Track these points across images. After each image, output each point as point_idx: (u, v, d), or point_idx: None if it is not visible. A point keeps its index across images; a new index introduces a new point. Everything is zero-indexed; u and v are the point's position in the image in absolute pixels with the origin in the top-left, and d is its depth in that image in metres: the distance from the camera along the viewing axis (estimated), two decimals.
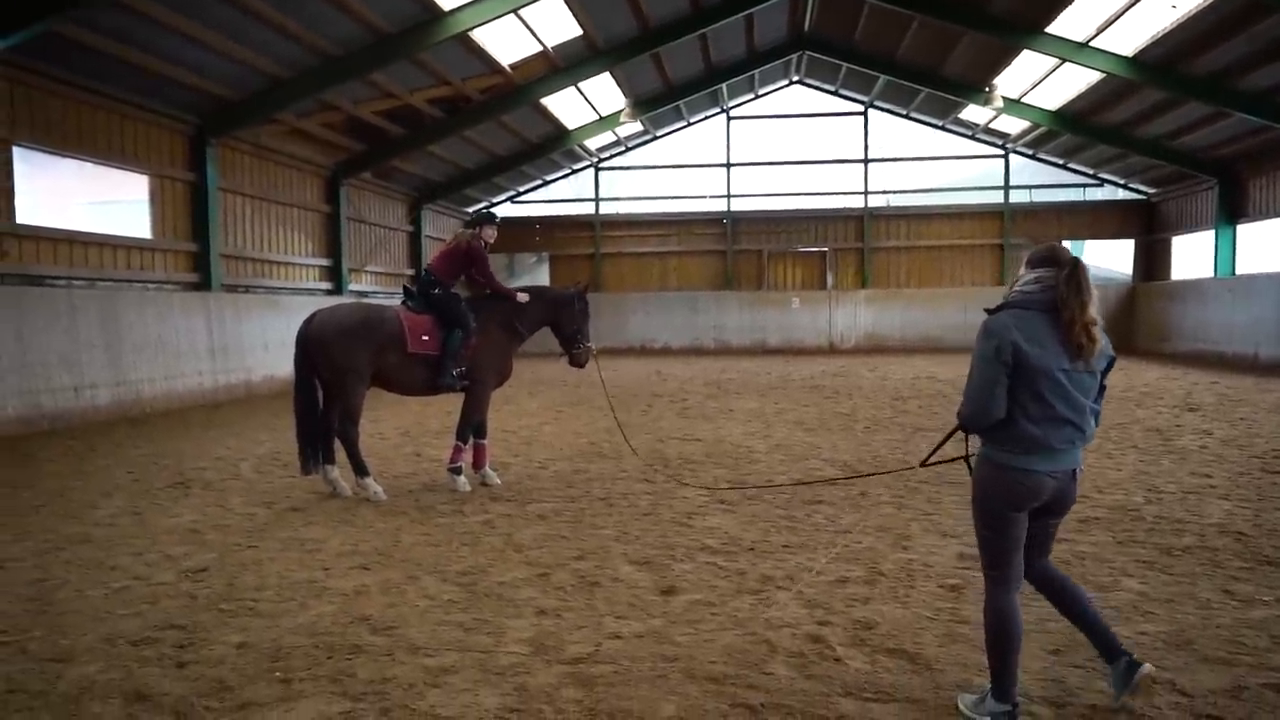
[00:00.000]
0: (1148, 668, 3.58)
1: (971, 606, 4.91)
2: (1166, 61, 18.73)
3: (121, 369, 14.07)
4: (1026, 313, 3.47)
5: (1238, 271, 23.97)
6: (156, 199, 16.14)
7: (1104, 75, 20.11)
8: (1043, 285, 3.49)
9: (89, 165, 15.05)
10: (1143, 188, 28.69)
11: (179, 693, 3.91)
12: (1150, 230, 28.90)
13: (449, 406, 10.65)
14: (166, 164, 16.24)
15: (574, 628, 4.68)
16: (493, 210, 8.63)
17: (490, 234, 8.53)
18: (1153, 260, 28.67)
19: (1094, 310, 3.42)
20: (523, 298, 8.48)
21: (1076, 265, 3.47)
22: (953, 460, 4.44)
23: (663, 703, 3.77)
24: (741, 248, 31.13)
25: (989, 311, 3.60)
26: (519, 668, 4.15)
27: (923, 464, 4.75)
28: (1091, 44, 19.06)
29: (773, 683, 3.97)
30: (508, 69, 20.07)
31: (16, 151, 13.14)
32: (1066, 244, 29.88)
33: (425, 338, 8.00)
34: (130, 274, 15.30)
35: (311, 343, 7.84)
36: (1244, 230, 24.02)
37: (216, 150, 17.21)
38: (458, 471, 8.23)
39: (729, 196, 31.04)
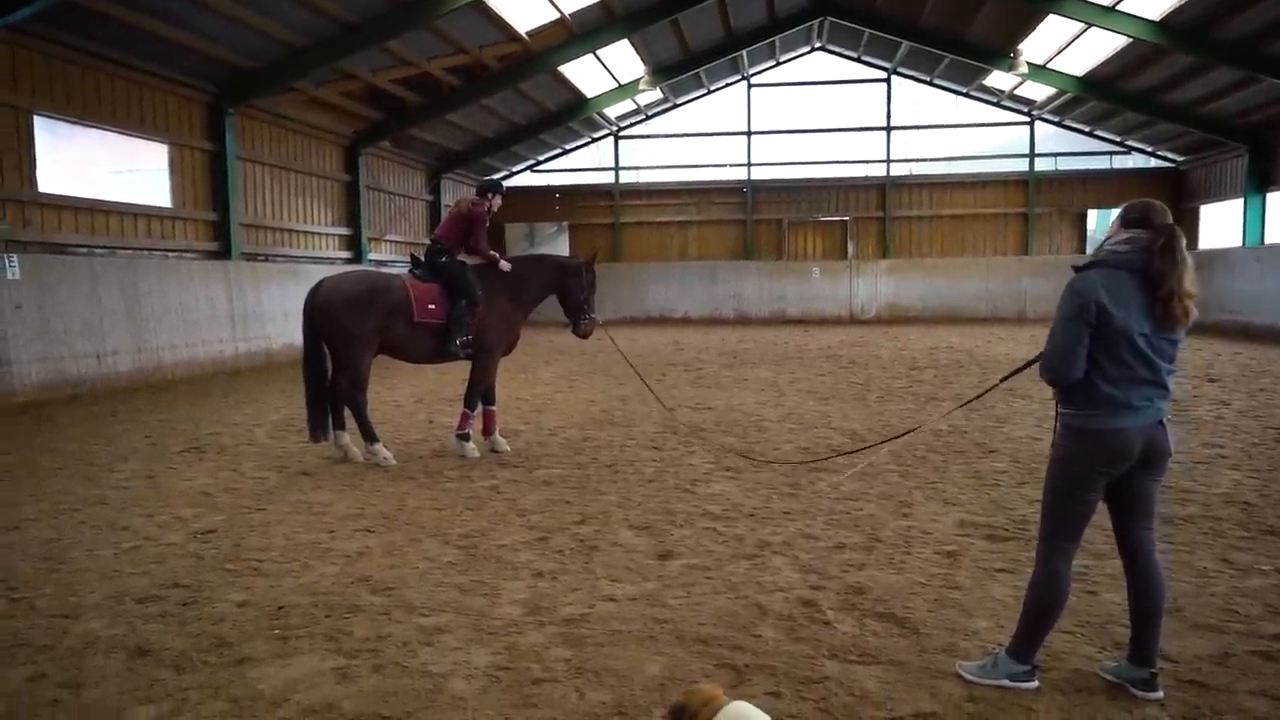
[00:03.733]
0: (1159, 694, 3.47)
1: (965, 573, 4.93)
2: (1195, 25, 18.33)
3: (142, 336, 14.26)
4: (1116, 273, 3.41)
5: (1266, 241, 23.57)
6: (176, 168, 16.25)
7: (1131, 39, 19.71)
8: (1135, 246, 3.43)
9: (109, 134, 15.16)
10: (1171, 155, 28.18)
11: (179, 647, 4.01)
12: (1178, 199, 28.38)
13: (463, 374, 10.74)
14: (185, 133, 16.34)
15: (569, 590, 4.74)
16: (499, 180, 8.60)
17: (496, 202, 8.55)
18: (1182, 229, 28.06)
19: (1190, 282, 3.36)
20: (505, 265, 8.48)
21: (1173, 235, 3.40)
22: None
23: (648, 662, 3.83)
24: (761, 217, 30.93)
25: (1076, 269, 3.53)
26: (511, 628, 4.23)
27: (997, 383, 5.01)
28: (1118, 7, 18.67)
29: (760, 645, 4.02)
30: (525, 36, 19.95)
31: (38, 121, 13.27)
32: (1092, 213, 29.65)
33: (431, 306, 8.06)
34: (151, 242, 15.46)
35: (318, 311, 7.92)
36: (1274, 199, 23.58)
37: (235, 119, 17.29)
38: (466, 438, 8.31)
39: (749, 165, 30.80)
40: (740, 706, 2.61)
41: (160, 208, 15.91)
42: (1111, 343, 3.36)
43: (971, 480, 7.12)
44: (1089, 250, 29.93)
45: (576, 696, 3.53)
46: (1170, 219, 3.51)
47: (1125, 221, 3.57)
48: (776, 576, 4.92)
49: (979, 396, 5.91)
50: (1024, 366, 4.24)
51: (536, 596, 4.65)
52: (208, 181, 16.97)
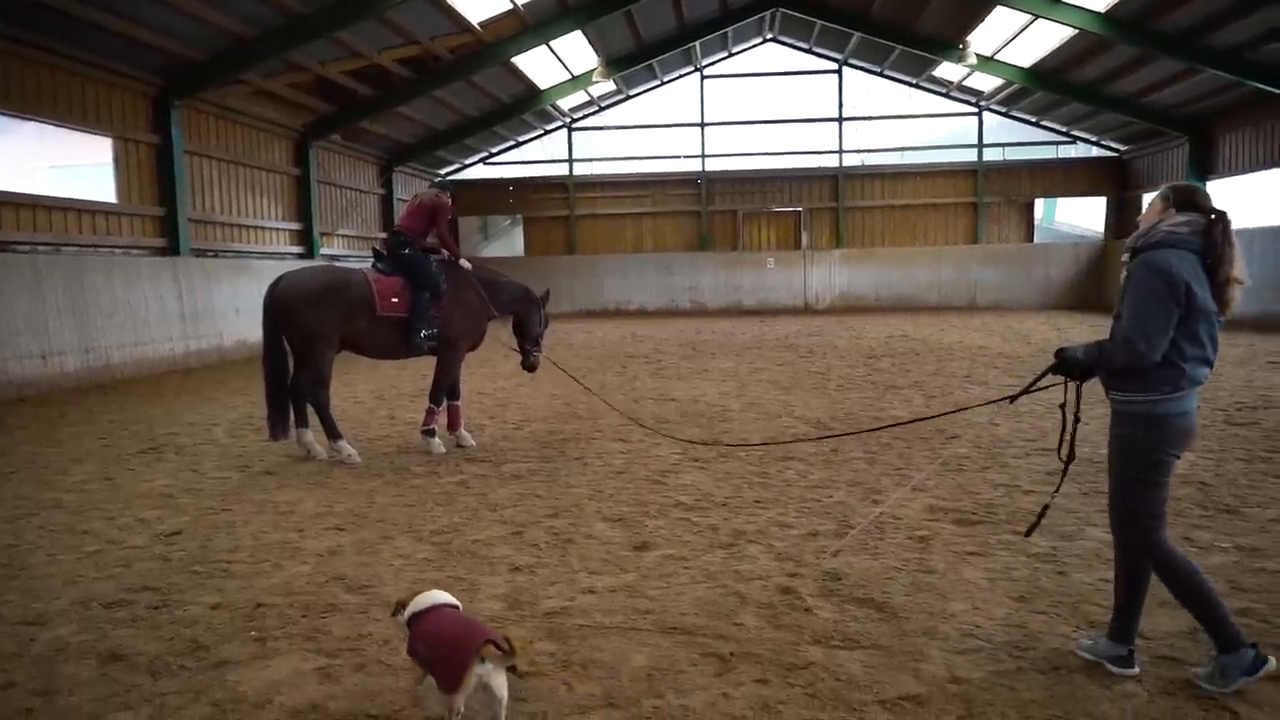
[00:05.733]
0: (1135, 670, 3.57)
1: (938, 557, 5.00)
2: (1138, 17, 18.73)
3: (90, 335, 13.91)
4: (1184, 253, 3.42)
5: None
6: (121, 162, 15.85)
7: (1076, 31, 20.10)
8: (1194, 229, 3.45)
9: (50, 128, 14.74)
10: (1115, 145, 28.80)
11: (154, 652, 3.93)
12: (1122, 187, 29.06)
13: (423, 370, 10.63)
14: (130, 126, 15.94)
15: (548, 583, 4.73)
16: (448, 180, 8.61)
17: (448, 199, 8.54)
18: (1125, 217, 28.83)
19: (1239, 268, 3.43)
20: (464, 264, 8.51)
21: (1228, 221, 3.45)
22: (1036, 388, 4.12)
23: (634, 654, 3.83)
24: (716, 208, 31.03)
25: (1136, 251, 3.52)
26: (493, 623, 4.19)
27: (1013, 399, 4.36)
28: (1063, 0, 19.03)
29: (743, 633, 4.04)
30: (477, 27, 19.76)
31: None
32: (1039, 201, 30.25)
33: (395, 300, 7.96)
34: (96, 239, 15.06)
35: (278, 307, 7.78)
36: (1214, 186, 24.17)
37: (181, 112, 16.90)
38: (432, 434, 8.23)
39: (703, 156, 30.86)
40: (431, 592, 3.52)
41: (105, 203, 15.51)
42: (1195, 321, 3.39)
43: (935, 466, 7.22)
44: (1036, 238, 30.54)
45: (565, 689, 3.53)
46: (1214, 202, 3.55)
47: (1177, 204, 3.57)
48: (753, 565, 4.95)
49: (1028, 390, 4.25)
50: (1041, 376, 3.92)
51: (515, 591, 4.62)
52: (153, 176, 16.57)
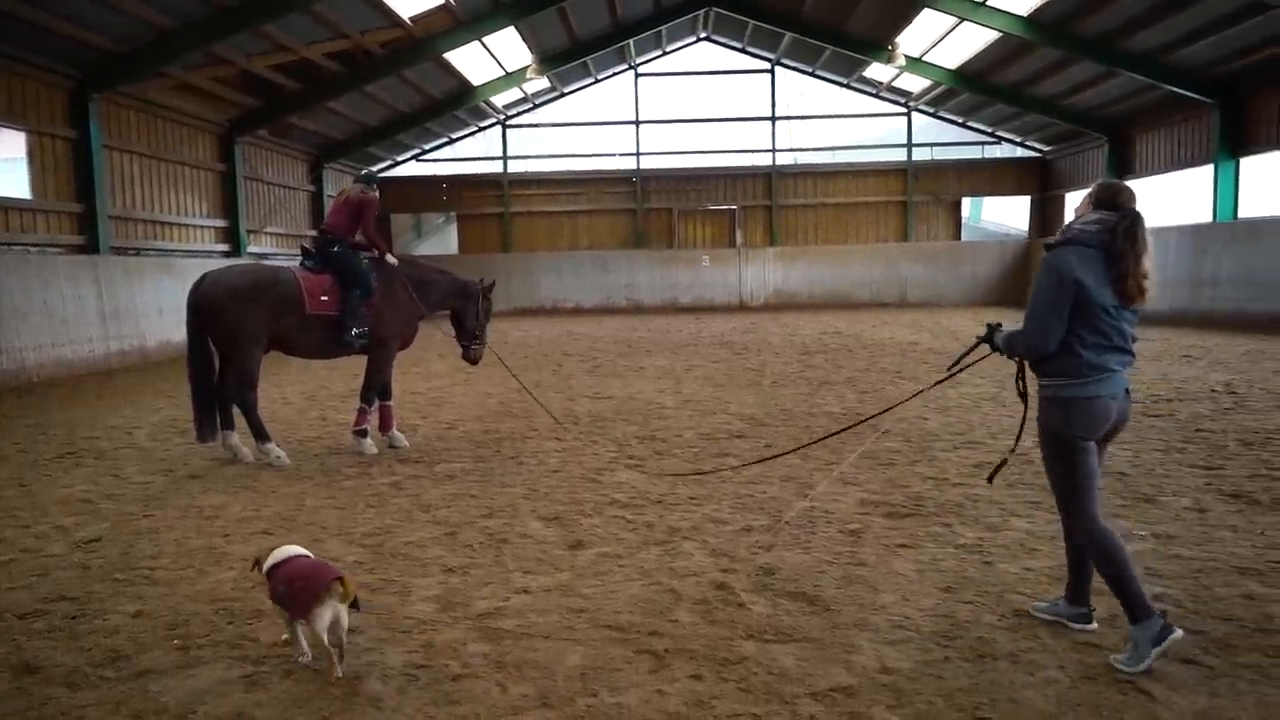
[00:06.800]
0: (1093, 627, 3.90)
1: (869, 549, 5.08)
2: (1059, 21, 19.29)
3: (3, 337, 13.37)
4: (1087, 250, 3.68)
5: None
6: (35, 157, 15.29)
7: (1001, 34, 20.62)
8: (1103, 227, 3.69)
9: None
10: (1038, 145, 29.59)
11: (72, 664, 3.80)
12: (1045, 187, 29.87)
13: (354, 370, 10.45)
14: (45, 120, 15.39)
15: (481, 584, 4.69)
16: (373, 173, 8.45)
17: (375, 194, 8.39)
18: (1048, 216, 29.65)
19: (1148, 263, 3.64)
20: (391, 260, 8.38)
21: (1136, 219, 3.68)
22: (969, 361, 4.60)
23: (569, 653, 3.82)
24: (651, 206, 31.11)
25: (1049, 247, 3.79)
26: (425, 625, 4.15)
27: (948, 374, 4.92)
28: (989, 3, 19.49)
29: (677, 629, 4.05)
30: (408, 21, 19.50)
31: None
32: (966, 200, 30.93)
33: (324, 298, 7.82)
34: (9, 236, 14.52)
35: (203, 306, 7.59)
36: (1131, 186, 24.94)
37: (100, 106, 16.38)
38: (363, 435, 8.11)
39: (638, 155, 30.91)
40: (285, 546, 3.98)
41: (18, 199, 14.96)
42: (1090, 314, 3.64)
43: (867, 461, 7.33)
44: (964, 236, 31.24)
45: (499, 690, 3.50)
46: (1135, 203, 3.79)
47: (1096, 202, 3.84)
48: (688, 561, 4.97)
49: (948, 377, 5.01)
50: (974, 347, 4.34)
51: (448, 592, 4.58)
52: (70, 172, 16.04)
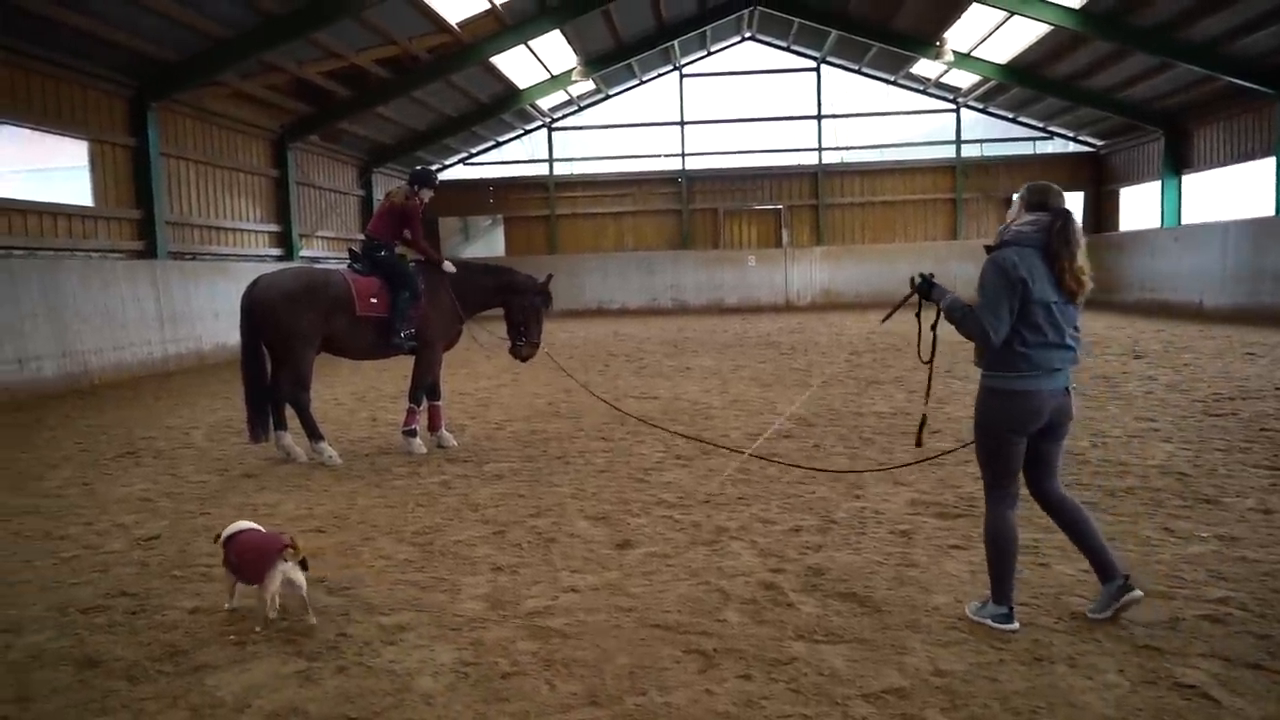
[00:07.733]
0: (1138, 593, 3.93)
1: (920, 550, 5.02)
2: (1113, 13, 18.89)
3: (67, 340, 13.75)
4: (1025, 250, 3.86)
5: (1183, 221, 24.41)
6: (96, 165, 15.71)
7: (1052, 27, 20.24)
8: (1037, 227, 3.88)
9: (24, 131, 14.58)
10: (1091, 140, 29.01)
11: (131, 658, 3.88)
12: (1099, 182, 29.27)
13: (403, 371, 10.57)
14: (106, 128, 15.80)
15: (530, 583, 4.71)
16: (429, 170, 8.46)
17: (427, 195, 8.43)
18: (1102, 212, 29.06)
19: (1082, 258, 3.83)
20: (448, 267, 8.41)
21: (1067, 218, 3.85)
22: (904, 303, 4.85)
23: (618, 652, 3.82)
24: (696, 207, 31.06)
25: (989, 249, 4.00)
26: (475, 623, 4.18)
27: (883, 321, 5.27)
28: None
29: (726, 629, 4.03)
30: (455, 27, 19.70)
31: None
32: (1016, 197, 30.39)
33: (374, 300, 7.92)
34: (72, 242, 14.93)
35: (256, 309, 7.72)
36: (1189, 180, 24.43)
37: (157, 114, 16.77)
38: (413, 434, 8.19)
39: (683, 155, 30.88)
40: (238, 521, 4.45)
41: (81, 206, 15.38)
42: (1030, 311, 3.80)
43: (918, 462, 7.22)
44: None
45: (547, 689, 3.51)
46: (1064, 202, 3.99)
47: (1028, 205, 4.01)
48: (736, 561, 4.94)
49: (889, 316, 5.38)
50: (904, 301, 4.69)
51: (497, 591, 4.60)
52: (130, 179, 16.44)
